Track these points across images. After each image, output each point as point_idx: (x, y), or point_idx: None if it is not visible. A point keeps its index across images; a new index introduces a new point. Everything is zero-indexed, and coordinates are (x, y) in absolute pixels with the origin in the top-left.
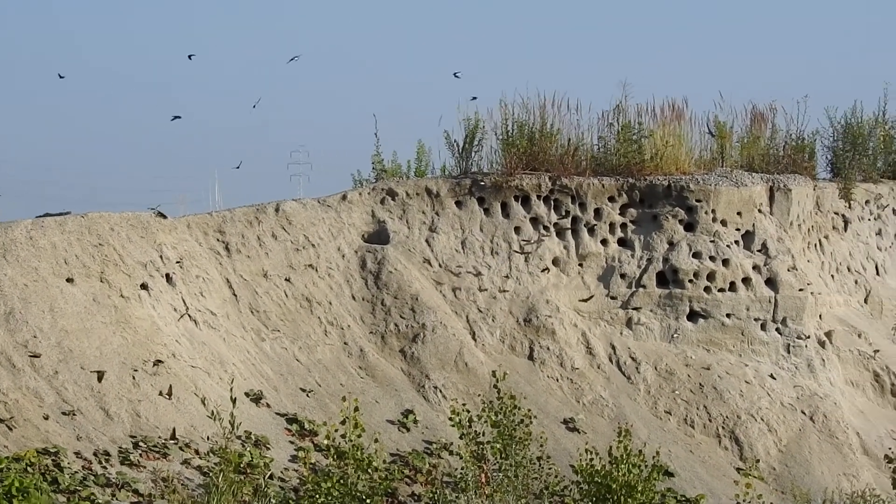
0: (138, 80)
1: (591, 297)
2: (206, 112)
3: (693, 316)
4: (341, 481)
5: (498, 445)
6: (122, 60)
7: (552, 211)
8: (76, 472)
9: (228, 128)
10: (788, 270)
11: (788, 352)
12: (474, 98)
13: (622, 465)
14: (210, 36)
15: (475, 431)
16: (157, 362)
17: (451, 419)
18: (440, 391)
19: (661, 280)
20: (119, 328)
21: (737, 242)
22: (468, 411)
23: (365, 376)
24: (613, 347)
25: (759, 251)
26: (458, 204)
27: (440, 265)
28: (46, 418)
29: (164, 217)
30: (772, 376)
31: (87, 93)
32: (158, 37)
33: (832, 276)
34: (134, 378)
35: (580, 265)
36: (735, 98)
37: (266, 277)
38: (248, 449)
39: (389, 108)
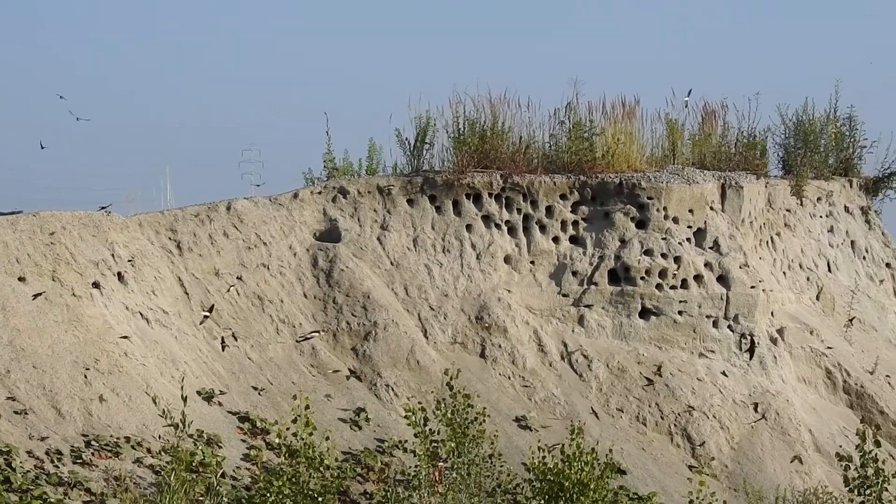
0: (84, 74)
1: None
2: (158, 109)
3: (645, 313)
4: (293, 480)
5: (452, 444)
6: (68, 51)
7: (504, 209)
8: (28, 471)
9: (179, 125)
10: (740, 268)
11: (740, 349)
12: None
13: (575, 463)
14: (160, 31)
15: (429, 430)
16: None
17: (406, 417)
18: (392, 389)
19: (613, 277)
20: (71, 327)
21: (688, 240)
22: (423, 409)
23: (317, 374)
24: (565, 345)
25: (710, 248)
26: (410, 202)
27: (392, 263)
28: None
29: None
30: (724, 373)
31: (37, 87)
32: (106, 28)
33: (784, 273)
34: (86, 377)
35: (532, 263)
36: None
37: (218, 276)
38: (200, 447)
39: (341, 105)
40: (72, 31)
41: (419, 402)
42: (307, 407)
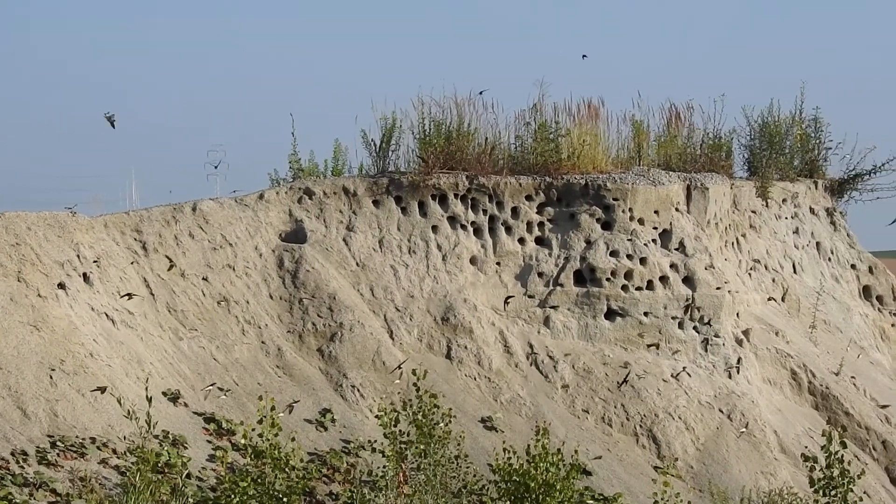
0: (50, 75)
1: (511, 297)
2: (124, 110)
3: (611, 314)
4: (259, 480)
5: (422, 446)
6: (38, 51)
7: (469, 210)
8: None
9: (146, 126)
10: (706, 269)
11: (706, 350)
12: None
13: (540, 464)
14: (127, 32)
15: (399, 430)
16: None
17: (378, 417)
18: (358, 390)
19: (579, 279)
20: (36, 328)
21: (654, 241)
22: (395, 411)
23: (282, 375)
24: (531, 346)
25: (676, 250)
26: (376, 203)
27: (357, 264)
28: None
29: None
30: (689, 375)
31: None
32: (73, 27)
33: (749, 274)
34: (51, 377)
35: (497, 264)
36: (652, 97)
37: (183, 277)
38: (165, 448)
39: (307, 107)
40: (38, 29)
41: (391, 404)
42: (273, 408)
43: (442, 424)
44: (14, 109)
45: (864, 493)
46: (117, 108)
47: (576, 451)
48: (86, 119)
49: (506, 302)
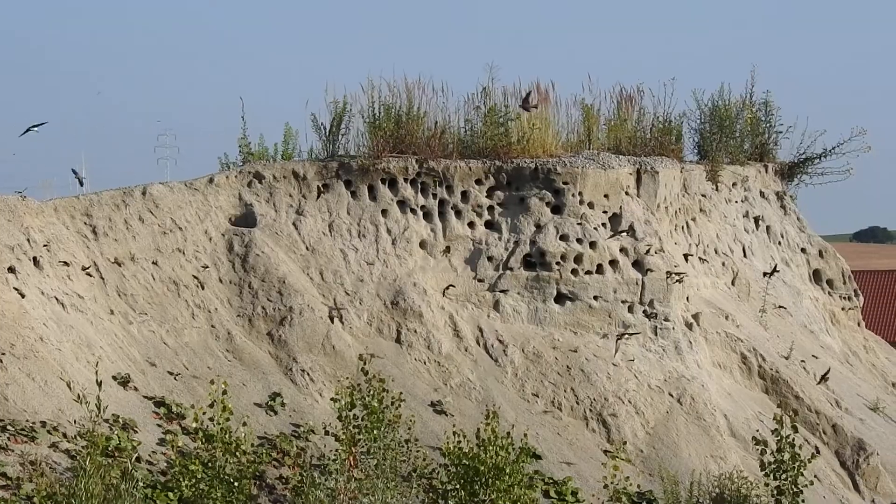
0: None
1: (449, 286)
2: (73, 95)
3: (560, 298)
4: (209, 464)
5: (375, 431)
6: None
7: (419, 194)
8: None
9: (94, 110)
10: (655, 253)
11: (656, 334)
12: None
13: (490, 448)
14: (75, 17)
15: (353, 415)
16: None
17: (333, 400)
18: (307, 374)
19: (529, 263)
20: None
21: (604, 225)
22: (352, 395)
23: (232, 359)
24: (481, 330)
25: (626, 234)
26: (325, 187)
27: (307, 248)
28: None
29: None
30: (638, 359)
31: None
32: (22, 12)
33: (699, 258)
34: (1, 361)
35: (447, 248)
36: (602, 80)
37: (133, 261)
38: (115, 432)
39: (256, 90)
40: None
41: (347, 387)
42: (224, 392)
43: (392, 408)
44: None
45: (815, 476)
46: (67, 92)
47: (525, 435)
48: (35, 103)
49: (445, 289)
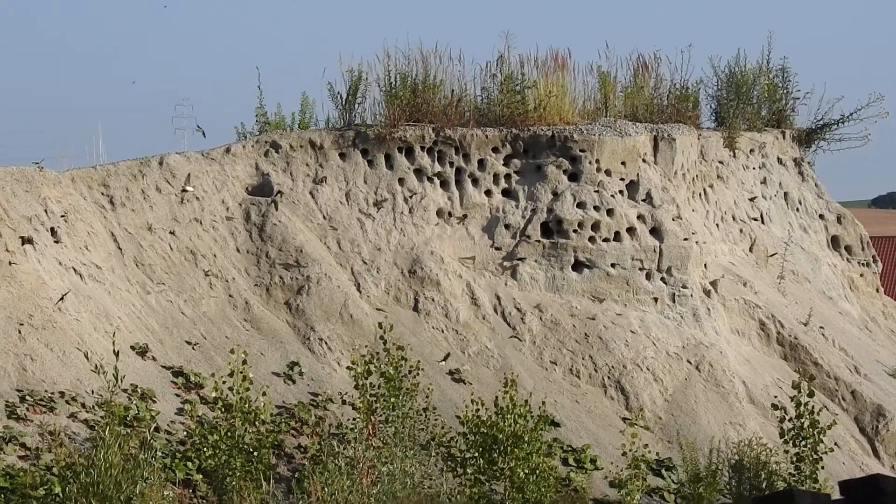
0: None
1: (472, 257)
2: (89, 63)
3: (578, 266)
4: (228, 434)
5: (393, 399)
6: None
7: (436, 162)
8: None
9: (112, 79)
10: (673, 220)
11: (674, 301)
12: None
13: (508, 416)
14: None
15: (370, 383)
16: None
17: (349, 368)
18: (325, 343)
19: (546, 230)
20: (4, 282)
21: (621, 192)
22: (367, 363)
23: (250, 329)
24: (498, 298)
25: (643, 201)
26: (342, 156)
27: (324, 217)
28: None
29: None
30: (657, 326)
31: None
32: None
33: (717, 224)
34: (20, 332)
35: (464, 216)
36: (619, 47)
37: (151, 231)
38: (134, 402)
39: (273, 60)
40: None
41: (362, 356)
42: (244, 361)
43: (409, 377)
44: None
45: (835, 443)
46: (83, 62)
47: (543, 403)
48: (51, 74)
49: (464, 260)
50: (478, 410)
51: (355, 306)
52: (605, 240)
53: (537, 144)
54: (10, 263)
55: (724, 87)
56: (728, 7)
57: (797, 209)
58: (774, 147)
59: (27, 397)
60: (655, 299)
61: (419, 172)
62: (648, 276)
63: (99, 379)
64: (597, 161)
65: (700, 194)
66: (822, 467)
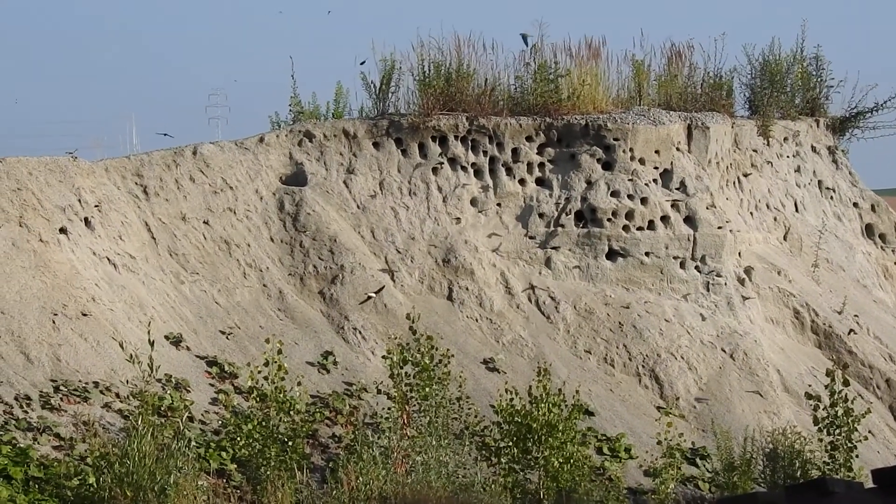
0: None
1: (499, 239)
2: (124, 54)
3: (612, 255)
4: (263, 423)
5: (427, 389)
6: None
7: (470, 151)
8: None
9: (145, 71)
10: (707, 208)
11: (708, 290)
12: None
13: (542, 405)
14: None
15: (405, 372)
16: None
17: (384, 358)
18: (360, 332)
19: (580, 219)
20: (38, 272)
21: (655, 181)
22: (402, 352)
23: (284, 318)
24: (532, 287)
25: (677, 189)
26: (376, 145)
27: (358, 206)
28: None
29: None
30: (691, 315)
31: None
32: None
33: (751, 213)
34: (54, 322)
35: (498, 205)
36: (653, 36)
37: (184, 220)
38: (168, 392)
39: (308, 49)
40: None
41: (398, 345)
42: (280, 351)
43: (442, 366)
44: (13, 53)
45: (869, 431)
46: (113, 50)
47: (577, 392)
48: (85, 62)
49: (496, 249)
50: (512, 399)
51: (389, 295)
52: (639, 228)
53: (571, 133)
54: (44, 253)
55: (757, 76)
56: None
57: (831, 197)
58: (808, 135)
59: (61, 387)
60: (689, 288)
61: (453, 161)
62: (682, 265)
63: (133, 369)
64: (630, 150)
65: (734, 183)
66: (857, 456)
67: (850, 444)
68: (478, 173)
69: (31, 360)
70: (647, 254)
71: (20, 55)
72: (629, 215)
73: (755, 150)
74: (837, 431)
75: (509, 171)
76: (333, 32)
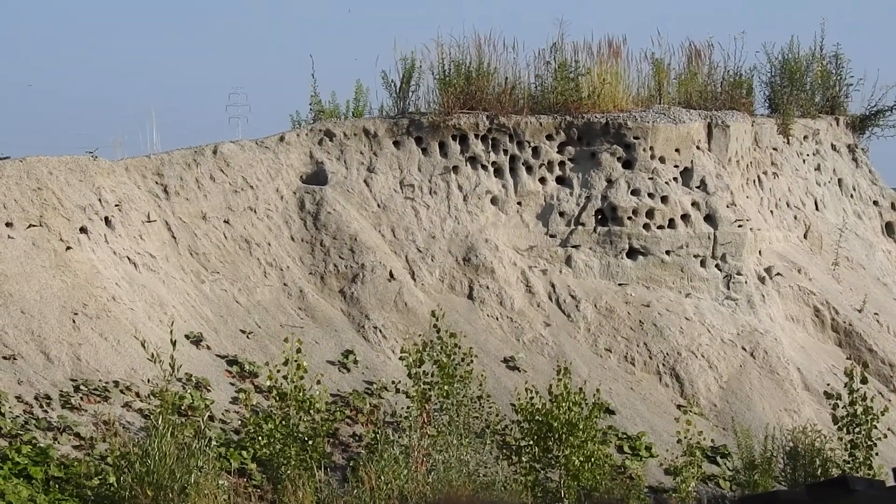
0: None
1: (530, 247)
2: (141, 52)
3: (632, 253)
4: (283, 422)
5: (446, 387)
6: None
7: (490, 150)
8: (17, 416)
9: (166, 69)
10: (727, 207)
11: (728, 288)
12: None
13: (563, 404)
14: None
15: (423, 371)
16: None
17: (401, 357)
18: (380, 331)
19: (600, 218)
20: (59, 272)
21: (675, 179)
22: (420, 351)
23: (305, 317)
24: (553, 286)
25: (697, 188)
26: (396, 144)
27: (378, 205)
28: None
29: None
30: (711, 313)
31: (18, 36)
32: None
33: (771, 211)
34: (74, 322)
35: (519, 204)
36: (672, 35)
37: (205, 219)
38: (188, 391)
39: (328, 47)
40: None
41: (414, 344)
42: (299, 350)
43: (463, 364)
44: (31, 50)
45: (889, 429)
46: (133, 49)
47: (598, 390)
48: (104, 61)
49: (527, 250)
50: (532, 398)
51: (410, 294)
52: (660, 227)
53: (591, 132)
54: (65, 252)
55: (777, 74)
56: None
57: (851, 195)
58: (828, 133)
59: (81, 387)
60: (710, 286)
61: (473, 160)
62: (703, 263)
63: (153, 368)
64: (651, 148)
65: (754, 181)
66: (877, 454)
67: (869, 442)
68: (498, 172)
69: (52, 360)
70: (667, 252)
71: (43, 54)
72: (649, 214)
73: (775, 149)
74: (857, 430)
75: (530, 169)
76: (353, 31)
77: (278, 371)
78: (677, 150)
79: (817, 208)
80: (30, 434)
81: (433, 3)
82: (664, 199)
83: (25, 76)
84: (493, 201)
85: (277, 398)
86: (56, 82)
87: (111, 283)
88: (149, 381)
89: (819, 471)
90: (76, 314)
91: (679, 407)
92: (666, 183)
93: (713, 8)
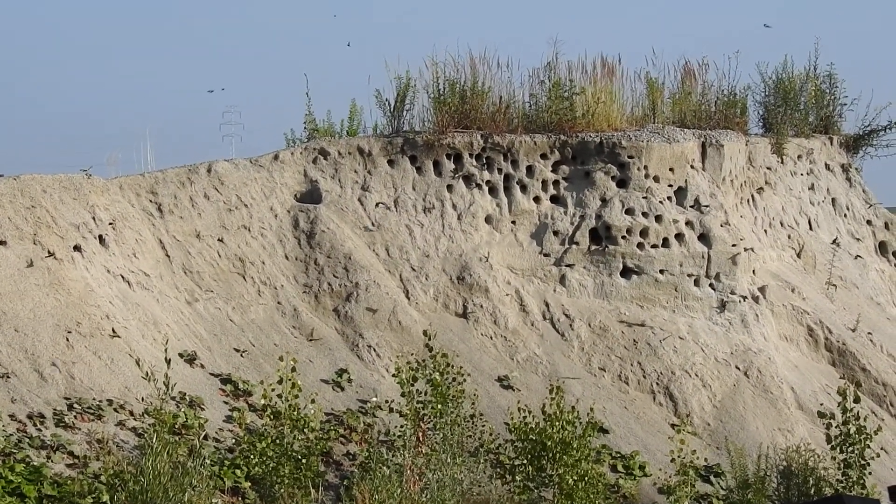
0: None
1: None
2: (137, 71)
3: (626, 272)
4: (277, 441)
5: (440, 406)
6: (51, 15)
7: (484, 169)
8: (11, 434)
9: (160, 87)
10: (721, 226)
11: (722, 307)
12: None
13: (556, 423)
14: None
15: (416, 390)
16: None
17: (394, 376)
18: (374, 350)
19: (594, 237)
20: (52, 290)
21: (669, 198)
22: (413, 369)
23: (299, 336)
24: (547, 305)
25: (691, 207)
26: (391, 163)
27: (373, 224)
28: None
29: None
30: (705, 332)
31: (14, 53)
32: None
33: (765, 230)
34: (68, 340)
35: (513, 223)
36: (667, 54)
37: (199, 238)
38: (182, 410)
39: (322, 66)
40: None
41: (408, 363)
42: (293, 368)
43: (456, 383)
44: (24, 69)
45: (882, 449)
46: (128, 67)
47: (591, 409)
48: (98, 79)
49: (523, 272)
50: (526, 417)
51: (404, 313)
52: (654, 246)
53: (585, 151)
54: (58, 270)
55: (771, 94)
56: (776, 13)
57: (845, 215)
58: (822, 153)
59: (75, 405)
60: (704, 305)
61: (467, 179)
62: (697, 283)
63: (147, 386)
64: (645, 167)
65: (748, 200)
66: (870, 473)
67: (863, 462)
68: (492, 191)
69: (45, 378)
70: (661, 271)
71: (39, 72)
72: (643, 233)
73: (769, 168)
74: (850, 449)
75: (524, 188)
76: (348, 51)
77: (272, 390)
78: (671, 170)
79: (811, 227)
80: (23, 452)
81: (428, 22)
82: (658, 219)
83: (20, 94)
84: (488, 220)
85: (271, 417)
86: (51, 100)
87: (105, 302)
88: (142, 399)
89: (812, 490)
90: (70, 332)
91: (673, 426)
92: (660, 202)
93: (707, 28)
